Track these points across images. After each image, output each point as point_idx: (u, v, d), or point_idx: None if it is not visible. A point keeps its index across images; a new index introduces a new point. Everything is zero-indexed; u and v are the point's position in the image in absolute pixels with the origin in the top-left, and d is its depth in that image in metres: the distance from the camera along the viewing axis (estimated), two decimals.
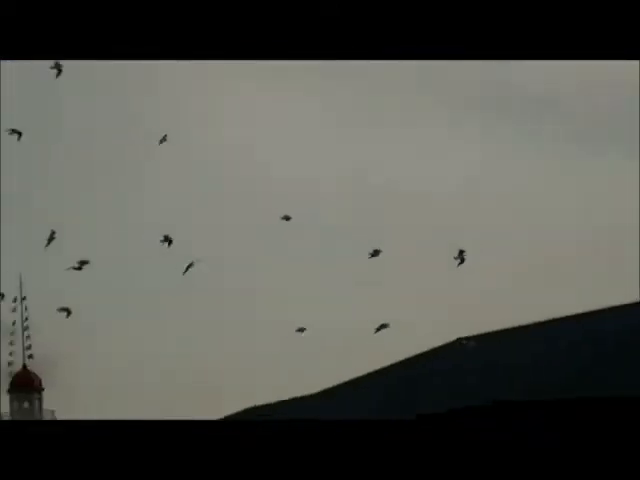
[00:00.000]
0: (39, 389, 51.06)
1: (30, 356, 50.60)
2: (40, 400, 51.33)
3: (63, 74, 17.82)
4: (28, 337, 50.43)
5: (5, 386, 50.18)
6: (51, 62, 19.11)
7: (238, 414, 35.73)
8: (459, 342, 38.23)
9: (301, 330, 29.84)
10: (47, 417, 50.42)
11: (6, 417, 49.54)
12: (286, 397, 37.92)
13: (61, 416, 48.62)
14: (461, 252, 26.20)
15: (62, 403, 51.68)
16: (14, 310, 50.75)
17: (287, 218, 26.88)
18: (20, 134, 34.39)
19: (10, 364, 50.48)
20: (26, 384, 50.28)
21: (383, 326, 30.42)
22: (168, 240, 24.54)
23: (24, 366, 50.47)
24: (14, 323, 50.57)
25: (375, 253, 27.53)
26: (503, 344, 37.34)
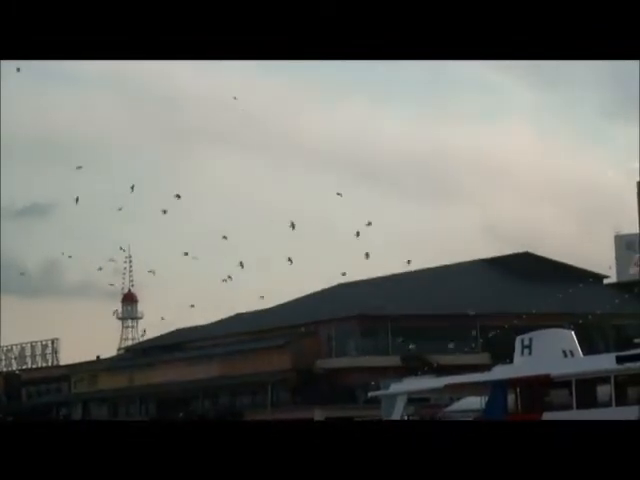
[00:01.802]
0: (136, 300, 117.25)
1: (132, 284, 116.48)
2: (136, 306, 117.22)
3: None
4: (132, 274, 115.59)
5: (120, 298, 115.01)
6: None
7: None
8: None
9: None
10: (139, 316, 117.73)
11: (119, 315, 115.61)
12: None
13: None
14: None
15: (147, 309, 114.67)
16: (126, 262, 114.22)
17: None
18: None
19: (123, 288, 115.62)
20: (130, 298, 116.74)
21: None
22: None
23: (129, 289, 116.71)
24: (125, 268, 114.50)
25: None
26: None
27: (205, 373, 78.12)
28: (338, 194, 54.41)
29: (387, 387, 35.10)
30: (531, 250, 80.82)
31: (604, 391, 26.61)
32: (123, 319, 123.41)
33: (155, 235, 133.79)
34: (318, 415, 67.51)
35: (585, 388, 26.85)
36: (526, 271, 75.87)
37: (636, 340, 28.99)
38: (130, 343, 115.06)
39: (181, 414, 77.24)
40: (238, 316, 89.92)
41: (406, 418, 32.19)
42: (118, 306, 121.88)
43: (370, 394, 38.18)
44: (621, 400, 25.99)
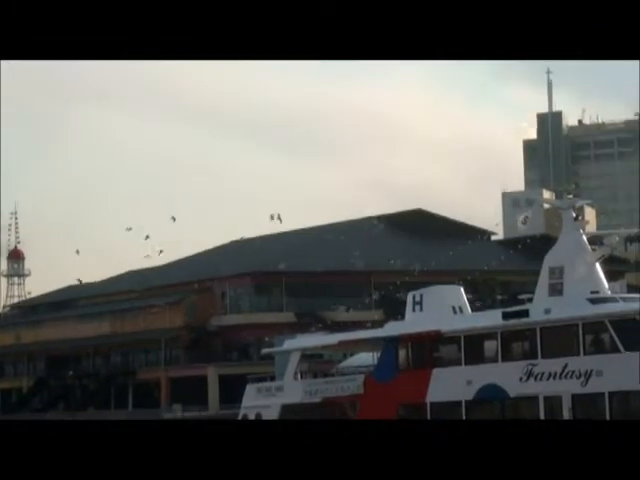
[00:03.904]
0: (22, 257, 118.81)
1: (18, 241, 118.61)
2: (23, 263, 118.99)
3: None
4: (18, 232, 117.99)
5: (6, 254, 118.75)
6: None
7: None
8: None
9: None
10: (26, 273, 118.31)
11: (5, 272, 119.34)
12: None
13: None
14: None
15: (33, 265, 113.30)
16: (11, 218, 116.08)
17: None
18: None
19: (9, 245, 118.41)
20: (16, 255, 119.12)
21: None
22: None
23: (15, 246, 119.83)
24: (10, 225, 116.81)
25: None
26: None
27: (96, 331, 76.93)
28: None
29: (281, 344, 35.25)
30: (422, 207, 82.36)
31: (491, 347, 27.43)
32: (9, 276, 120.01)
33: (40, 192, 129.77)
34: (212, 372, 67.51)
35: (473, 344, 27.62)
36: (418, 228, 77.27)
37: (521, 296, 29.92)
38: (16, 300, 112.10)
39: (71, 372, 76.01)
40: (130, 273, 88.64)
41: (299, 374, 32.52)
42: (3, 263, 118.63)
43: (264, 351, 38.30)
44: (507, 355, 26.87)
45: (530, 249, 64.57)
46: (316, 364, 37.64)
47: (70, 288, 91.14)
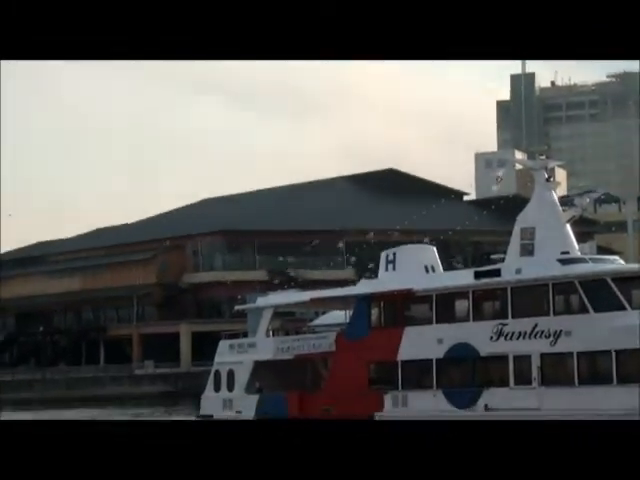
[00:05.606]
0: None
1: None
2: None
3: None
4: None
5: None
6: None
7: None
8: None
9: None
10: None
11: None
12: None
13: None
14: None
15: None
16: None
17: None
18: None
19: None
20: None
21: None
22: None
23: None
24: None
25: None
26: None
27: (67, 287, 76.65)
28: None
29: (253, 301, 35.25)
30: (395, 167, 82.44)
31: (462, 306, 27.69)
32: None
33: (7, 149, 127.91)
34: (184, 329, 67.60)
35: (445, 303, 27.85)
36: (390, 188, 77.44)
37: (493, 256, 30.11)
38: None
39: (41, 328, 75.82)
40: (99, 231, 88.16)
41: (271, 332, 32.63)
42: None
43: (236, 308, 38.34)
44: (478, 315, 27.16)
45: (502, 209, 64.96)
46: (288, 322, 37.69)
47: (39, 244, 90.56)
